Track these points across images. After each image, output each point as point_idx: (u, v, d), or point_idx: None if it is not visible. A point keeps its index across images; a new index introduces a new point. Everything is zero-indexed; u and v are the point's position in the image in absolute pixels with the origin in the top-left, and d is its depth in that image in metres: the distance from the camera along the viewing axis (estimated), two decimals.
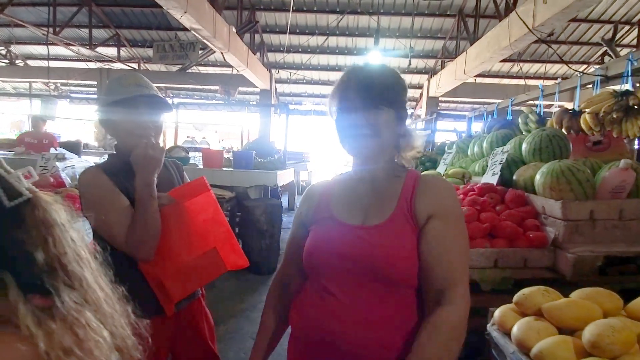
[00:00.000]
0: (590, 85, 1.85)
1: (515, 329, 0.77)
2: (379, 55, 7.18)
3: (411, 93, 10.66)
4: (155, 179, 1.02)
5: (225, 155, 4.16)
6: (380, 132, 0.73)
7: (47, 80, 10.14)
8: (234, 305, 2.84)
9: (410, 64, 7.97)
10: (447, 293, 0.67)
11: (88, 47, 7.85)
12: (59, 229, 0.51)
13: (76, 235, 0.55)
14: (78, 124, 11.91)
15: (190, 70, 8.68)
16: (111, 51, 8.67)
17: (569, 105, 2.86)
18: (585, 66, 8.52)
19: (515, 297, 0.84)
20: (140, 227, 0.97)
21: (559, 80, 2.12)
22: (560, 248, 1.21)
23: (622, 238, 1.18)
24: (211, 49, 6.18)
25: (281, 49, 8.68)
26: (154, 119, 1.08)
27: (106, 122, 1.08)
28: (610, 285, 0.88)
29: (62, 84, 10.86)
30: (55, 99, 5.71)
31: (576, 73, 2.01)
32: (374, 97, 0.73)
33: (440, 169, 2.30)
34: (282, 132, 5.09)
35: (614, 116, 1.49)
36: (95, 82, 8.98)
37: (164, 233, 1.01)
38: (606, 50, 7.82)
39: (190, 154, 4.36)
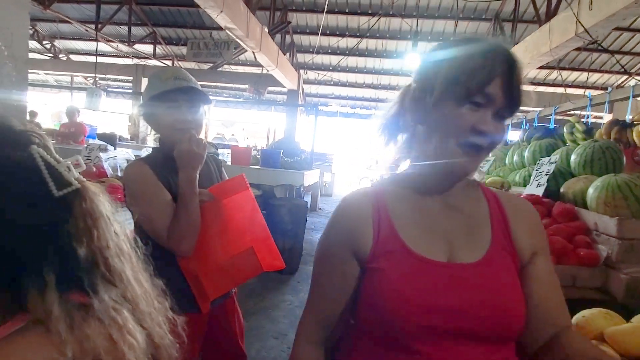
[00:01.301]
0: None
1: None
2: (418, 58, 7.06)
3: None
4: (198, 175, 1.02)
5: (253, 153, 4.21)
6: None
7: (86, 75, 10.67)
8: (255, 303, 2.86)
9: None
10: (563, 335, 0.56)
11: (127, 44, 8.18)
12: (104, 222, 0.51)
13: (119, 228, 0.54)
14: (114, 117, 12.44)
15: (220, 69, 8.87)
16: (147, 48, 9.00)
17: (606, 116, 2.71)
18: (626, 77, 8.06)
19: (575, 319, 0.78)
20: (182, 222, 0.97)
21: (610, 89, 1.99)
22: (613, 268, 1.13)
23: None
24: (243, 48, 6.29)
25: (310, 49, 8.72)
26: (194, 112, 1.07)
27: (148, 117, 1.09)
28: None
29: (100, 78, 11.37)
30: (100, 90, 5.98)
31: (628, 83, 1.88)
32: (517, 103, 0.56)
33: (477, 177, 2.21)
34: (308, 132, 5.10)
35: None
36: (131, 78, 9.35)
37: (203, 230, 1.01)
38: None
39: (219, 151, 4.45)
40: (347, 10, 7.34)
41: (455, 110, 0.56)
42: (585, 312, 0.79)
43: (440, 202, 0.62)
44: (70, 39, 9.53)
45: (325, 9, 6.65)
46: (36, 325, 0.42)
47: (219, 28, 6.37)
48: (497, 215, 0.62)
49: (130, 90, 9.90)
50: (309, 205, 7.20)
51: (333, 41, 8.39)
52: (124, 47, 8.55)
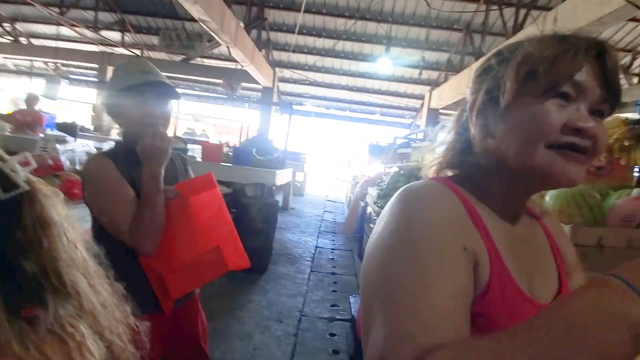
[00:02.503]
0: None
1: None
2: (389, 63, 7.20)
3: (412, 103, 10.72)
4: (163, 171, 0.99)
5: (224, 150, 4.11)
6: None
7: (48, 60, 9.99)
8: (222, 304, 2.80)
9: (421, 74, 8.03)
10: None
11: (92, 29, 7.74)
12: (56, 229, 0.46)
13: (73, 234, 0.50)
14: (76, 106, 11.72)
15: (193, 62, 8.61)
16: (115, 36, 8.56)
17: None
18: None
19: None
20: (145, 219, 0.94)
21: None
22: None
23: None
24: (217, 42, 6.13)
25: (287, 48, 8.66)
26: (162, 107, 1.05)
27: (112, 110, 1.05)
28: None
29: (63, 65, 10.69)
30: (60, 78, 5.60)
31: None
32: (618, 95, 0.47)
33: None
34: (282, 131, 5.06)
35: (626, 144, 1.50)
36: (96, 65, 8.85)
37: (167, 227, 0.98)
38: None
39: (189, 146, 4.31)
40: (324, 11, 7.36)
41: (537, 106, 0.44)
42: None
43: (509, 224, 0.52)
44: (32, 22, 8.89)
45: (303, 8, 6.63)
46: None
47: (193, 19, 6.18)
48: (549, 235, 0.57)
49: (95, 79, 9.37)
50: (280, 204, 7.15)
51: (310, 41, 8.38)
52: (89, 33, 8.09)
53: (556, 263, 0.54)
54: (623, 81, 7.14)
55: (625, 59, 7.03)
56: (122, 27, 8.34)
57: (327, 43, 8.39)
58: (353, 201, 5.87)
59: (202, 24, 5.05)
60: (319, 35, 8.08)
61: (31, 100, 4.98)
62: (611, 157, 1.64)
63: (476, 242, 0.46)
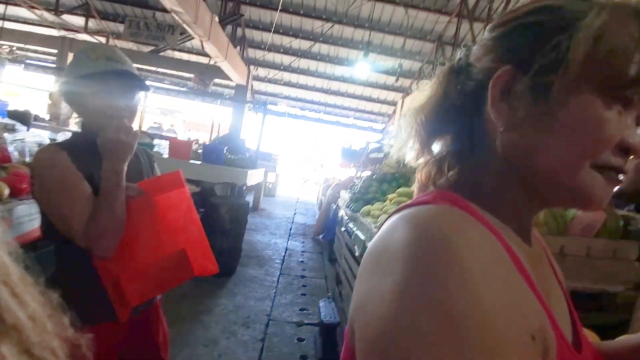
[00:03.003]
0: None
1: None
2: (367, 68, 7.29)
3: (385, 109, 10.95)
4: (126, 167, 0.91)
5: (193, 147, 3.96)
6: None
7: (1, 43, 9.20)
8: (188, 308, 2.67)
9: (397, 81, 8.20)
10: None
11: (53, 12, 7.22)
12: None
13: None
14: (31, 93, 10.88)
15: (163, 54, 8.26)
16: (78, 20, 8.05)
17: None
18: None
19: None
20: (103, 218, 0.86)
21: None
22: None
23: (587, 275, 1.24)
24: (190, 35, 5.92)
25: (262, 46, 8.55)
26: (128, 99, 0.97)
27: (71, 97, 0.96)
28: None
29: (19, 49, 9.89)
30: (5, 60, 5.13)
31: None
32: None
33: (415, 187, 2.33)
34: (255, 130, 4.97)
35: None
36: (55, 51, 8.26)
37: (128, 228, 0.90)
38: None
39: (155, 142, 4.11)
40: (301, 12, 7.34)
41: (601, 110, 0.34)
42: None
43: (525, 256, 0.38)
44: None
45: (280, 7, 6.56)
46: None
47: (164, 9, 5.91)
48: (554, 264, 0.48)
49: (54, 65, 8.74)
50: (250, 205, 7.01)
51: (286, 41, 8.32)
52: (49, 16, 7.54)
53: (560, 286, 0.45)
54: None
55: None
56: (86, 12, 7.84)
57: (304, 44, 8.37)
58: (325, 204, 5.86)
59: (174, 15, 4.86)
60: (295, 36, 8.04)
61: None
62: None
63: (539, 315, 0.33)
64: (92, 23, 8.22)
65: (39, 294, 0.48)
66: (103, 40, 8.53)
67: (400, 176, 2.98)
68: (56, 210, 0.87)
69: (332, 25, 7.36)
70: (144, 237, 0.95)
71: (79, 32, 8.08)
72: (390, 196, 2.37)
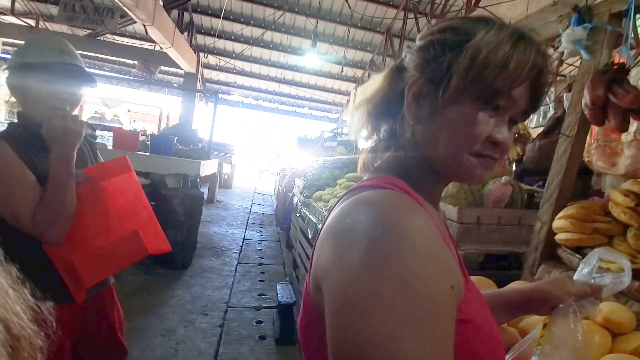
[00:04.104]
0: None
1: None
2: (315, 58, 7.35)
3: (339, 98, 11.15)
4: (75, 155, 0.93)
5: (141, 138, 3.81)
6: None
7: None
8: (142, 301, 2.64)
9: (342, 71, 8.36)
10: None
11: None
12: None
13: None
14: None
15: (102, 38, 7.66)
16: (3, 2, 7.17)
17: None
18: None
19: None
20: (53, 206, 0.88)
21: None
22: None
23: (499, 239, 1.47)
24: (131, 19, 5.57)
25: (212, 32, 8.25)
26: (73, 91, 1.00)
27: (13, 85, 0.97)
28: (488, 276, 1.09)
29: None
30: None
31: None
32: (538, 108, 0.51)
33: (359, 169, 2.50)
34: (207, 121, 4.86)
35: None
36: None
37: (77, 214, 0.93)
38: None
39: (98, 132, 3.88)
40: None
41: (472, 113, 0.45)
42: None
43: None
44: None
45: None
46: None
47: None
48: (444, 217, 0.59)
49: None
50: (205, 196, 6.87)
51: (237, 28, 8.11)
52: None
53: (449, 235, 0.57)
54: None
55: None
56: None
57: (255, 32, 8.21)
58: (282, 193, 5.94)
59: None
60: (246, 23, 7.87)
61: None
62: None
63: (455, 269, 0.43)
64: (19, 4, 7.37)
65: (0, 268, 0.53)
66: (32, 23, 7.70)
67: (350, 162, 3.14)
68: (1, 200, 0.87)
69: (283, 14, 7.31)
70: (94, 221, 0.99)
71: (5, 14, 7.22)
72: (340, 181, 2.52)
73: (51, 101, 0.95)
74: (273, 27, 7.89)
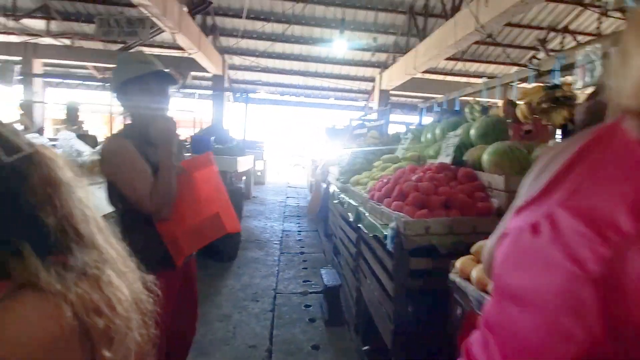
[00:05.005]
0: (526, 83, 2.15)
1: (473, 272, 0.93)
2: (344, 45, 7.32)
3: (364, 86, 11.01)
4: (175, 150, 1.18)
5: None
6: None
7: None
8: (199, 291, 2.81)
9: (373, 55, 8.28)
10: None
11: (12, 17, 6.93)
12: (64, 188, 0.49)
13: (83, 194, 0.55)
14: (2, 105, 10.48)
15: (133, 50, 8.05)
16: (39, 24, 7.73)
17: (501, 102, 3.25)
18: (515, 68, 9.47)
19: (473, 248, 1.01)
20: (163, 191, 1.12)
21: (500, 75, 2.39)
22: (502, 215, 1.43)
23: None
24: (159, 29, 5.82)
25: (235, 33, 8.42)
26: (164, 94, 1.24)
27: (122, 98, 1.22)
28: None
29: None
30: (13, 65, 5.14)
31: (514, 69, 2.29)
32: None
33: (399, 153, 2.49)
34: (237, 120, 5.01)
35: (544, 106, 1.76)
36: (20, 58, 7.95)
37: (177, 197, 1.18)
38: (534, 54, 8.75)
39: None
40: None
41: None
42: (480, 242, 1.02)
43: None
44: None
45: None
46: (24, 289, 0.42)
47: (127, 4, 5.74)
48: None
49: (20, 74, 8.42)
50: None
51: (258, 25, 8.20)
52: (8, 22, 7.22)
53: None
54: (542, 54, 7.92)
55: (542, 34, 7.80)
56: (46, 14, 7.53)
57: (277, 27, 8.28)
58: (315, 184, 6.02)
59: (141, 9, 4.77)
60: (267, 20, 7.94)
61: None
62: (536, 119, 1.91)
63: None
64: (54, 25, 7.91)
65: (118, 242, 0.62)
66: (68, 42, 8.24)
67: (384, 146, 3.14)
68: (128, 184, 1.11)
69: (305, 6, 7.31)
70: (189, 204, 1.24)
71: (42, 36, 7.79)
72: (376, 163, 2.53)
73: (152, 104, 1.18)
74: (294, 21, 7.91)
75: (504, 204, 1.42)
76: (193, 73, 8.82)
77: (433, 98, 9.37)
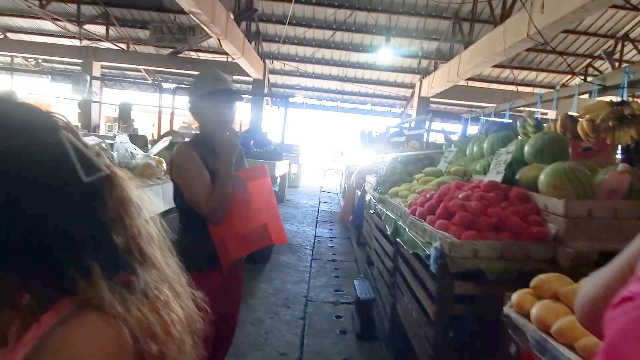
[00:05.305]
0: (587, 95, 1.98)
1: (534, 310, 0.85)
2: (389, 53, 7.26)
3: (402, 92, 10.81)
4: (233, 160, 1.28)
5: None
6: None
7: (27, 55, 9.71)
8: None
9: (420, 64, 8.20)
10: None
11: (75, 23, 7.55)
12: (134, 208, 0.51)
13: (147, 213, 0.56)
14: (58, 103, 11.45)
15: (181, 55, 8.48)
16: (99, 29, 8.37)
17: (551, 113, 3.00)
18: (569, 76, 8.86)
19: (533, 282, 0.93)
20: (219, 196, 1.23)
21: (558, 87, 2.23)
22: (561, 243, 1.32)
23: (615, 236, 1.29)
24: (207, 35, 6.08)
25: (276, 39, 8.61)
26: (231, 108, 1.36)
27: (194, 111, 1.35)
28: None
29: (44, 60, 10.40)
30: (86, 75, 5.74)
31: (566, 78, 2.13)
32: None
33: (442, 166, 2.39)
34: (276, 124, 5.09)
35: (610, 124, 1.61)
36: (80, 61, 8.64)
37: (231, 205, 1.27)
38: (590, 62, 8.15)
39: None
40: (313, 1, 7.33)
41: None
42: (542, 276, 0.94)
43: None
44: (8, 15, 8.59)
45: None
46: (89, 309, 0.43)
47: (179, 11, 6.05)
48: None
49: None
50: None
51: (300, 32, 8.34)
52: (72, 27, 7.88)
53: None
54: (606, 65, 7.34)
55: (609, 45, 7.22)
56: (106, 20, 8.14)
57: (317, 33, 8.37)
58: (349, 190, 5.97)
59: (192, 17, 5.01)
60: (308, 26, 8.05)
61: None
62: (598, 137, 1.75)
63: None
64: (112, 31, 8.52)
65: (168, 249, 0.63)
66: (124, 46, 8.84)
67: (424, 157, 3.04)
68: (189, 188, 1.24)
69: (352, 13, 7.33)
70: (240, 212, 1.32)
71: (101, 41, 8.41)
72: (417, 176, 2.45)
73: (219, 118, 1.31)
74: (334, 27, 7.96)
75: (562, 231, 1.31)
76: (235, 77, 9.12)
77: (476, 107, 8.99)
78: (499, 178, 1.65)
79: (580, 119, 1.83)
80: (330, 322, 2.62)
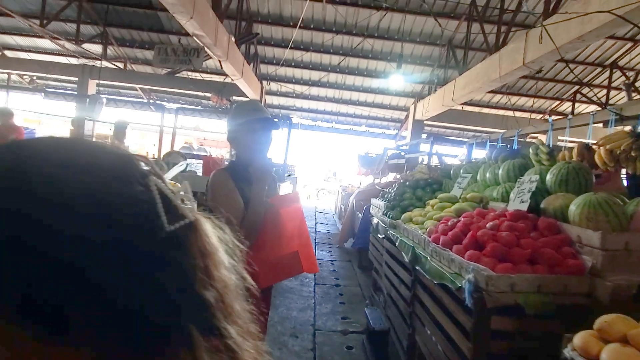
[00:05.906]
0: (601, 124, 2.02)
1: (604, 355, 0.81)
2: (401, 79, 7.43)
3: (397, 114, 11.01)
4: (266, 187, 1.30)
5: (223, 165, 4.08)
6: None
7: (23, 73, 9.62)
8: None
9: (409, 86, 8.39)
10: None
11: (74, 42, 7.55)
12: (217, 257, 0.47)
13: (227, 260, 0.51)
14: (50, 120, 11.27)
15: (179, 75, 8.50)
16: (97, 48, 8.36)
17: (544, 140, 3.05)
18: (558, 102, 9.19)
19: (597, 324, 0.89)
20: (250, 222, 1.24)
21: (570, 116, 2.28)
22: (598, 276, 1.29)
23: None
24: (208, 56, 6.12)
25: (274, 61, 8.75)
26: (268, 137, 1.38)
27: (232, 138, 1.40)
28: None
29: (39, 78, 10.31)
30: (101, 97, 5.77)
31: (590, 112, 2.19)
32: None
33: (456, 192, 2.38)
34: (278, 145, 5.07)
35: (632, 154, 1.63)
36: (76, 79, 8.57)
37: (262, 231, 1.27)
38: (578, 89, 8.48)
39: (188, 161, 4.24)
40: (312, 27, 7.52)
41: None
42: (606, 317, 0.90)
43: None
44: (8, 33, 8.55)
45: (290, 23, 6.72)
46: None
47: (179, 33, 6.11)
48: None
49: (74, 92, 9.05)
50: None
51: (297, 55, 8.50)
52: (70, 46, 7.86)
53: None
54: (596, 91, 7.59)
55: (597, 71, 7.51)
56: (104, 40, 8.15)
57: (315, 57, 8.54)
58: (348, 212, 5.91)
59: (196, 39, 5.04)
60: (306, 49, 8.21)
61: (5, 114, 4.73)
62: (617, 167, 1.77)
63: None
64: (110, 50, 8.53)
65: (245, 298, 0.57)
66: (121, 65, 8.83)
67: (433, 181, 3.03)
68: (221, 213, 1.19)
69: (362, 40, 7.53)
70: (271, 237, 1.30)
71: (98, 60, 8.39)
72: (432, 202, 2.42)
73: (255, 145, 1.34)
74: (331, 51, 8.14)
75: (599, 264, 1.29)
76: (233, 97, 9.16)
77: (468, 130, 9.19)
78: (524, 207, 1.63)
79: (596, 148, 1.85)
80: (342, 354, 2.51)
